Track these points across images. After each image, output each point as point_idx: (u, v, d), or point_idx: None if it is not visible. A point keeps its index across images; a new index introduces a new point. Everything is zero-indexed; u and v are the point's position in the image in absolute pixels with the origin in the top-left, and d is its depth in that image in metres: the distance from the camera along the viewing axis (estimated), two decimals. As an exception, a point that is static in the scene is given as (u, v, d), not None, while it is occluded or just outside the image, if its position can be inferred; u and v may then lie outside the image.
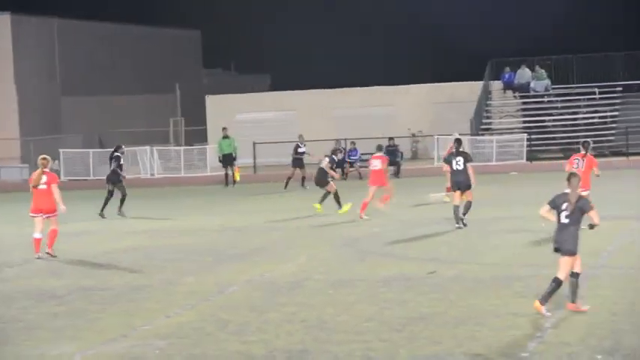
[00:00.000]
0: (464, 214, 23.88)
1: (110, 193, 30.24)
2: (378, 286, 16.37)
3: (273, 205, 34.67)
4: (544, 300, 13.26)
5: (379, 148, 29.01)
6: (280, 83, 68.42)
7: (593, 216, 13.54)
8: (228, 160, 44.36)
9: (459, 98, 56.70)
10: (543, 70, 56.33)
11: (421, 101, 58.40)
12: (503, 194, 33.71)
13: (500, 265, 18.25)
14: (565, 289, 13.41)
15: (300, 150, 42.32)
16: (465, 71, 59.93)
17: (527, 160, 48.99)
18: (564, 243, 13.43)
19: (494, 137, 51.51)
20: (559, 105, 54.57)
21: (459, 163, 24.15)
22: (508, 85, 57.06)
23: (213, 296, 16.24)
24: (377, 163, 27.39)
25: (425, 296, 15.20)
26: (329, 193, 28.64)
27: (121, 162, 30.58)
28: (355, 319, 13.70)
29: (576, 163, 22.87)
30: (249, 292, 16.54)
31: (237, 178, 43.78)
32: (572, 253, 13.39)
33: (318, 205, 28.58)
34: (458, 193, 24.13)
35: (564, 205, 13.49)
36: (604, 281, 15.85)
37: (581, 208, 13.46)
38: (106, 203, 30.09)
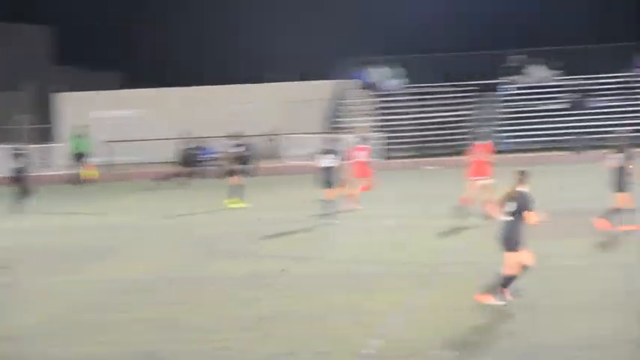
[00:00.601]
0: (329, 213, 24.46)
1: None
2: (231, 285, 16.46)
3: (127, 204, 34.32)
4: (495, 290, 13.59)
5: (364, 140, 29.47)
6: (135, 81, 67.48)
7: (530, 215, 13.67)
8: (80, 158, 43.78)
9: (314, 96, 56.89)
10: (398, 69, 57.18)
11: (276, 99, 58.40)
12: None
13: (351, 263, 18.50)
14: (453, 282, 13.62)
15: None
16: (320, 70, 60.04)
17: (385, 158, 49.42)
18: (508, 240, 13.69)
19: (349, 136, 51.68)
20: (412, 103, 55.23)
21: (330, 161, 24.70)
22: (362, 84, 57.63)
23: (64, 297, 16.08)
24: (360, 155, 28.09)
25: (278, 294, 15.37)
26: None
27: None
28: (208, 319, 13.76)
29: (477, 154, 24.00)
30: (99, 293, 16.43)
31: (90, 176, 43.24)
32: (514, 249, 13.63)
33: (231, 201, 29.18)
34: (332, 190, 24.76)
35: (508, 203, 13.80)
36: (447, 278, 16.25)
37: (519, 205, 13.68)
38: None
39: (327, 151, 25.15)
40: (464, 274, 16.50)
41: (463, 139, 50.10)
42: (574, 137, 48.11)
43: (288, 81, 59.23)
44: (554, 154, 46.10)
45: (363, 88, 57.24)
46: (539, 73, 55.53)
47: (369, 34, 66.28)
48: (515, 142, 47.71)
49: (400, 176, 33.40)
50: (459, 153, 46.43)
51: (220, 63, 71.40)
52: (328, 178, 24.75)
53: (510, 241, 13.63)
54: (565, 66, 55.08)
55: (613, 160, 21.14)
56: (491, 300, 13.52)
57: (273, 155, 55.96)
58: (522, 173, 13.88)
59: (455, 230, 22.26)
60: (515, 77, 55.58)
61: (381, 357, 11.26)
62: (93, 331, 13.24)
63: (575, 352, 11.05)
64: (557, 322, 12.54)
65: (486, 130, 25.78)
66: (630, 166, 20.98)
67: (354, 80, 57.43)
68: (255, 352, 11.74)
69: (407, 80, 56.81)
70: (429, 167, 43.76)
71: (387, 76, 57.20)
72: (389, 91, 56.47)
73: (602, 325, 12.25)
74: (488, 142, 24.38)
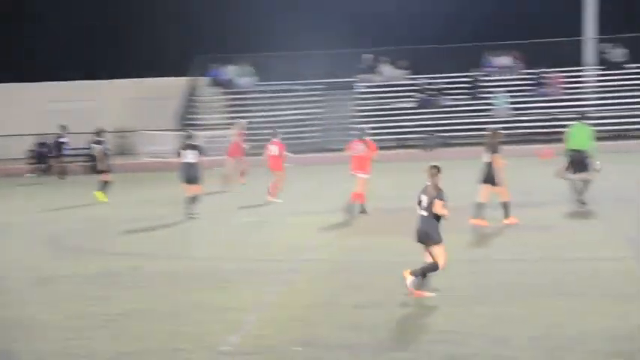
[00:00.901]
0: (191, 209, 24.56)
1: None
2: (82, 282, 16.19)
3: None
4: (419, 282, 13.66)
5: (275, 134, 29.68)
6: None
7: (438, 207, 13.72)
8: None
9: (165, 93, 56.62)
10: (249, 67, 57.35)
11: (126, 96, 57.92)
12: (211, 189, 34.05)
13: (206, 260, 18.39)
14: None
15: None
16: (171, 66, 59.64)
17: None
18: (428, 234, 13.76)
19: (202, 133, 51.67)
20: (264, 101, 55.41)
21: (189, 156, 24.64)
22: (215, 81, 57.60)
23: None
24: (274, 149, 28.65)
25: (130, 292, 15.18)
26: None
27: None
28: (58, 317, 13.50)
29: (357, 148, 23.99)
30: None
31: None
32: (437, 241, 13.73)
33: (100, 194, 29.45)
34: (190, 185, 24.77)
35: (422, 197, 13.85)
36: (302, 275, 16.31)
37: (429, 198, 13.74)
38: None
39: (189, 147, 25.08)
40: (320, 271, 16.61)
41: (316, 137, 50.89)
42: (424, 135, 48.94)
43: (142, 77, 58.79)
44: (406, 152, 46.73)
45: (217, 86, 57.20)
46: (390, 73, 56.31)
47: (224, 32, 66.03)
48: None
49: (255, 173, 33.34)
50: (313, 150, 47.06)
51: (78, 60, 70.05)
52: (190, 174, 24.68)
53: (429, 234, 13.77)
54: (414, 65, 56.07)
55: (485, 155, 21.63)
56: (425, 294, 13.67)
57: (125, 152, 55.45)
58: (435, 168, 14.04)
59: (318, 227, 22.34)
60: (368, 76, 56.23)
61: (238, 353, 11.21)
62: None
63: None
64: (407, 317, 12.74)
65: (364, 127, 26.01)
66: (500, 162, 21.46)
67: (208, 77, 57.31)
68: (104, 351, 11.54)
69: (259, 78, 56.95)
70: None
71: (240, 74, 57.22)
72: (242, 88, 56.52)
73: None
74: (368, 139, 24.54)
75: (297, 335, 11.90)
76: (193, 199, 24.66)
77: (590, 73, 55.18)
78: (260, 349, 11.37)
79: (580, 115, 27.00)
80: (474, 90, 54.01)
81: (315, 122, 52.54)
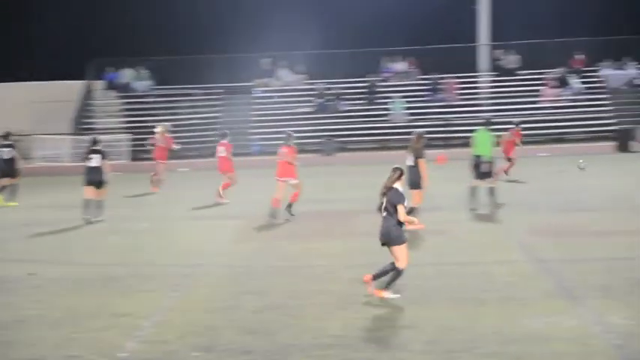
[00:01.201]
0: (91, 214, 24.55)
1: None
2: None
3: None
4: (387, 285, 13.78)
5: (223, 135, 29.92)
6: None
7: (400, 211, 13.76)
8: None
9: (59, 97, 55.91)
10: (145, 71, 57.03)
11: (19, 100, 57.04)
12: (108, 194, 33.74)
13: (107, 265, 18.19)
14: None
15: None
16: (65, 70, 58.93)
17: (132, 159, 49.21)
18: (389, 235, 13.79)
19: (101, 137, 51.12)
20: (161, 105, 55.08)
21: (93, 161, 24.62)
22: (111, 85, 57.10)
23: None
24: (222, 150, 29.23)
25: (25, 298, 14.97)
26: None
27: None
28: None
29: (281, 154, 24.25)
30: None
31: None
32: (400, 242, 13.79)
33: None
34: (93, 189, 24.80)
35: (382, 198, 13.89)
36: (200, 280, 16.30)
37: (390, 201, 13.79)
38: None
39: (93, 152, 25.04)
40: (218, 276, 16.61)
41: (212, 141, 50.65)
42: (322, 140, 49.16)
43: (36, 81, 57.91)
44: (304, 157, 46.83)
45: (113, 89, 56.73)
46: (288, 77, 56.44)
47: (120, 34, 65.47)
48: (265, 145, 48.22)
49: (149, 177, 33.13)
50: (209, 155, 46.87)
51: None
52: (94, 177, 24.74)
53: (390, 235, 13.83)
54: (311, 70, 56.36)
55: (408, 159, 21.83)
56: (387, 294, 13.77)
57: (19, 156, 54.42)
58: (397, 170, 14.12)
59: (220, 230, 22.45)
60: (266, 80, 56.25)
61: (136, 360, 11.18)
62: None
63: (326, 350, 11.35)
64: (306, 322, 12.84)
65: (289, 132, 26.09)
66: (424, 166, 21.72)
67: (104, 81, 56.86)
68: (-4, 360, 11.41)
69: (156, 82, 56.63)
70: (181, 169, 43.81)
71: (137, 78, 56.83)
72: (139, 92, 56.12)
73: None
74: (292, 145, 24.59)
75: (197, 341, 11.90)
76: (98, 204, 24.61)
77: (484, 79, 56.14)
78: (159, 355, 11.36)
79: (485, 121, 27.33)
80: (371, 95, 54.42)
81: (213, 126, 52.35)
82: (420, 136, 22.47)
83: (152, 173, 33.86)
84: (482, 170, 25.08)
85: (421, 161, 21.78)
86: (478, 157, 25.22)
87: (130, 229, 23.40)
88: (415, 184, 21.70)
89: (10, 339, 12.36)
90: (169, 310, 13.81)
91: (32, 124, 53.89)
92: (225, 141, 29.58)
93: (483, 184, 25.15)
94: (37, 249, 20.80)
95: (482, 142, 25.36)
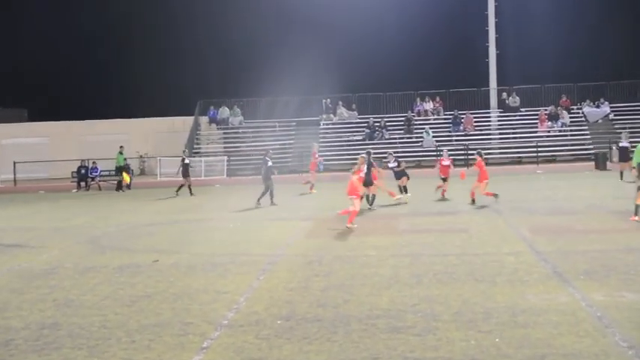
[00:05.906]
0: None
1: None
2: (114, 272, 15.99)
3: (28, 210, 33.01)
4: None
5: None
6: (37, 114, 65.70)
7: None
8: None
9: (176, 129, 56.85)
10: (239, 109, 57.58)
11: (148, 130, 58.07)
12: (209, 201, 33.94)
13: (206, 255, 18.15)
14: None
15: (185, 162, 38.27)
16: (180, 108, 60.12)
17: (227, 175, 49.61)
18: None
19: (203, 158, 51.79)
20: (250, 135, 55.66)
21: None
22: (213, 120, 57.71)
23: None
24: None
25: (150, 279, 15.00)
26: None
27: None
28: (95, 298, 13.33)
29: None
30: (9, 278, 15.73)
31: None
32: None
33: None
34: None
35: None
36: (281, 266, 16.18)
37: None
38: None
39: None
40: (294, 263, 16.51)
41: (289, 162, 50.98)
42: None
43: (159, 117, 59.26)
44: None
45: (213, 123, 57.46)
46: (344, 113, 56.63)
47: (220, 81, 66.55)
48: (327, 164, 48.27)
49: (240, 189, 33.34)
50: (289, 172, 47.11)
51: (106, 100, 69.86)
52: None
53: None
54: (362, 107, 56.67)
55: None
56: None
57: (146, 173, 55.66)
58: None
59: (295, 229, 22.31)
60: (328, 115, 56.56)
61: (234, 326, 11.10)
62: (5, 309, 12.60)
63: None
64: (361, 298, 12.72)
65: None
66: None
67: (207, 117, 57.64)
68: (129, 324, 11.40)
69: (245, 117, 57.29)
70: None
71: (231, 114, 57.45)
72: (232, 125, 56.74)
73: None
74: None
75: (279, 312, 11.80)
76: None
77: (493, 115, 55.81)
78: (251, 322, 11.26)
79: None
80: (408, 126, 54.35)
81: (289, 150, 52.65)
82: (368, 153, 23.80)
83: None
84: None
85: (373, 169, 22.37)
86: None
87: (226, 227, 23.43)
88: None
89: (139, 309, 12.39)
90: (258, 289, 13.75)
91: (156, 149, 54.81)
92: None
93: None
94: (158, 242, 20.91)
95: None
